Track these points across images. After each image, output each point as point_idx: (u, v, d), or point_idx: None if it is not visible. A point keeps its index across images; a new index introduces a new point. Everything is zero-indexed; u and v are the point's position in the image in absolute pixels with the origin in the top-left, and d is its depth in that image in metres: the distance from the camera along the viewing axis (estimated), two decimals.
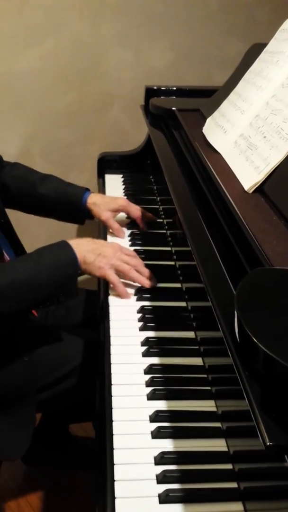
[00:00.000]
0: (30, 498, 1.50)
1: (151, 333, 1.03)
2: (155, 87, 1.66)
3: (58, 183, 1.40)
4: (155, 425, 0.83)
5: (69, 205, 1.37)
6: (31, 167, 1.46)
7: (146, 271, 1.15)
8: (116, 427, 0.83)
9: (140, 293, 1.13)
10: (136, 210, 1.38)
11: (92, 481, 0.80)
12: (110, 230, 1.36)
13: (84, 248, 1.09)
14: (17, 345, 1.11)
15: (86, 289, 1.41)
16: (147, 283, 1.13)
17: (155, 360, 0.96)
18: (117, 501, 0.73)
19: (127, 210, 1.38)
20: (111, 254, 1.11)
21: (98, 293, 1.18)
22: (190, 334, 1.03)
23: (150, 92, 1.66)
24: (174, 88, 1.67)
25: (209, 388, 0.91)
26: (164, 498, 0.73)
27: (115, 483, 0.75)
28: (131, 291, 1.13)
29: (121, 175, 1.71)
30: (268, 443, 0.57)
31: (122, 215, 1.41)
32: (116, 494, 0.74)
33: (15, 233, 1.31)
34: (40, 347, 1.16)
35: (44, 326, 1.31)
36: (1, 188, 1.36)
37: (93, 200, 1.36)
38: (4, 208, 1.28)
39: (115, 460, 0.78)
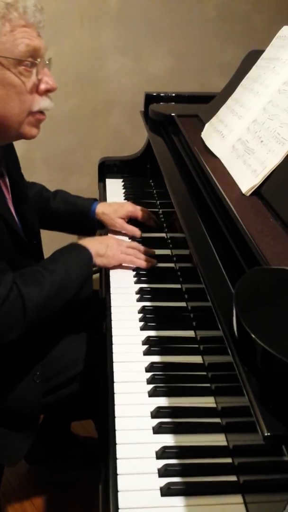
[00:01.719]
0: (33, 497, 1.52)
1: (152, 333, 1.05)
2: (154, 93, 1.69)
3: (67, 196, 1.44)
4: (156, 421, 0.85)
5: (78, 216, 1.40)
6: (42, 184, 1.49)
7: (143, 256, 1.26)
8: (119, 423, 0.85)
9: (141, 293, 1.15)
10: (144, 213, 1.43)
11: (94, 478, 0.82)
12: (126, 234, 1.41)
13: (93, 244, 1.18)
14: (29, 367, 1.13)
15: None
16: (146, 265, 1.24)
17: (156, 358, 0.99)
18: (120, 494, 0.75)
19: (136, 215, 1.42)
20: (116, 243, 1.23)
21: (100, 294, 1.20)
22: (190, 333, 1.06)
23: (150, 98, 1.68)
24: (173, 94, 1.70)
25: (208, 385, 0.93)
26: (166, 491, 0.75)
27: (118, 477, 0.77)
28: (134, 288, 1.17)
29: (122, 180, 1.74)
30: (266, 434, 0.59)
31: None
32: (119, 487, 0.76)
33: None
34: (49, 347, 1.18)
35: (50, 328, 1.32)
36: None
37: (101, 209, 1.40)
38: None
39: (118, 455, 0.80)
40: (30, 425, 1.15)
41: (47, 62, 1.02)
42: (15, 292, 0.99)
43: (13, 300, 0.98)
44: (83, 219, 1.41)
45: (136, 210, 1.42)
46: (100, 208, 1.40)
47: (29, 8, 0.94)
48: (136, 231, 1.39)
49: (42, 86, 1.01)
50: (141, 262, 1.24)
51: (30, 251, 1.15)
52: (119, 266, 1.24)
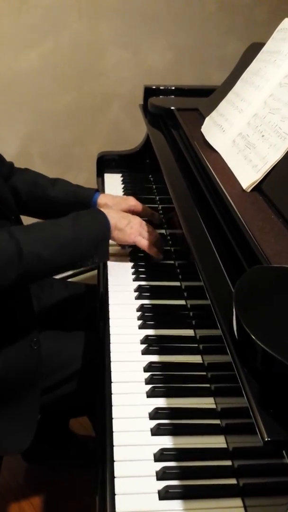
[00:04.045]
0: (31, 496, 1.51)
1: (150, 331, 1.03)
2: (154, 87, 1.67)
3: (68, 185, 1.41)
4: (154, 422, 0.84)
5: (79, 206, 1.35)
6: (38, 172, 1.45)
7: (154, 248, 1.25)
8: (116, 424, 0.83)
9: (140, 291, 1.14)
10: (146, 210, 1.39)
11: (92, 478, 0.81)
12: None
13: (115, 215, 1.17)
14: (25, 332, 1.12)
15: (86, 283, 1.42)
16: (156, 257, 1.24)
17: (154, 358, 0.97)
18: (117, 498, 0.73)
19: (138, 210, 1.38)
20: (138, 224, 1.21)
21: (98, 291, 1.19)
22: (189, 332, 1.04)
23: (149, 92, 1.66)
24: (173, 88, 1.68)
25: (208, 385, 0.92)
26: (164, 495, 0.74)
27: (115, 479, 0.75)
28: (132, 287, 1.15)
29: (120, 174, 1.72)
30: (266, 439, 0.58)
31: None
32: (116, 490, 0.74)
33: None
34: (45, 345, 1.17)
35: (48, 320, 1.31)
36: (13, 193, 1.34)
37: (104, 200, 1.36)
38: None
39: (115, 457, 0.78)
40: (29, 403, 1.13)
41: None
42: (5, 236, 0.99)
43: (6, 242, 0.98)
44: (83, 209, 1.34)
45: (139, 205, 1.38)
46: (102, 199, 1.36)
47: None
48: None
49: None
50: (154, 251, 1.23)
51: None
52: (118, 261, 1.23)
